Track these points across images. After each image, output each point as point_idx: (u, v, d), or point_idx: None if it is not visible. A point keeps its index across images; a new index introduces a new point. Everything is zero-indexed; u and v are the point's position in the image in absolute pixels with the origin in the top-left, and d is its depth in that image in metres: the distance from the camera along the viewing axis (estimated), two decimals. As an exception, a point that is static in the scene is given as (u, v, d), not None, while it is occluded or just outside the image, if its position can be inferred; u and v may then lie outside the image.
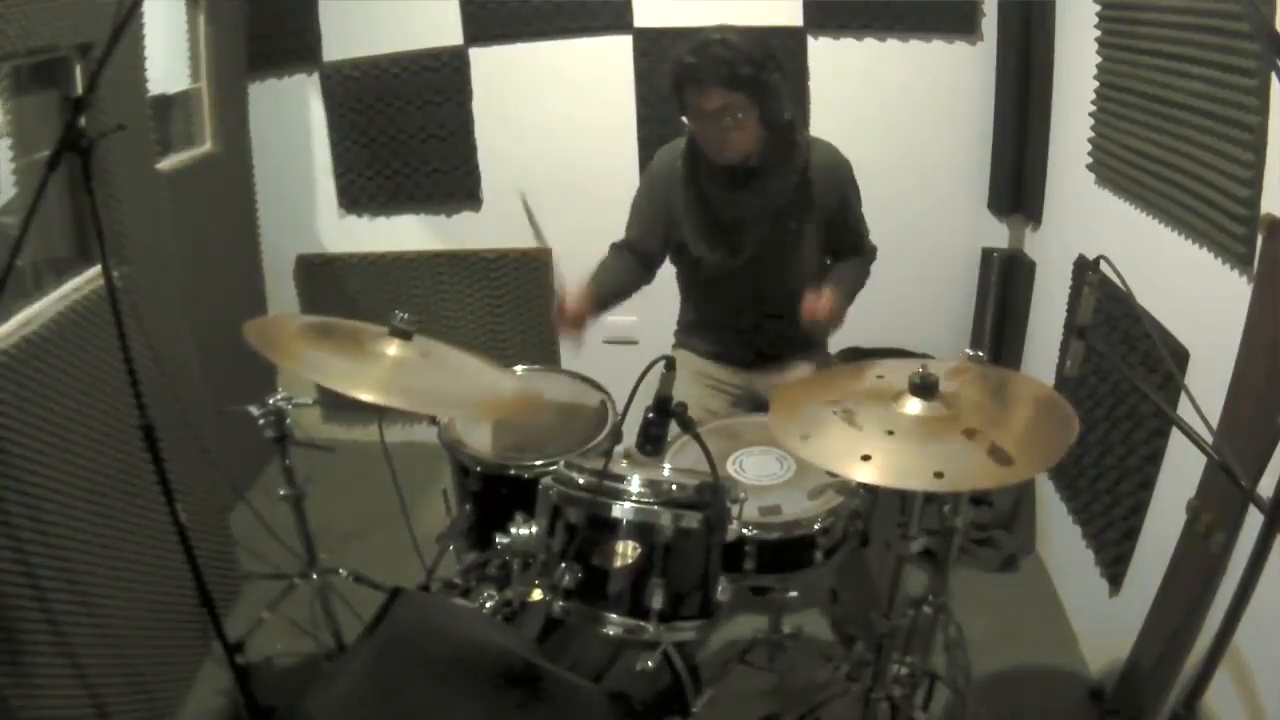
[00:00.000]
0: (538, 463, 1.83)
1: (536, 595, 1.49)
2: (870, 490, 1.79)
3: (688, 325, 2.34)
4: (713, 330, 2.27)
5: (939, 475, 1.28)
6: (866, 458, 1.32)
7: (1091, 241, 2.34)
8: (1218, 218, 1.68)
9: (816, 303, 1.97)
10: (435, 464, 2.12)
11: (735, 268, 2.12)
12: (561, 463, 1.57)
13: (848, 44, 2.89)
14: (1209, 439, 1.21)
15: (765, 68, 1.87)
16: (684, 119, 1.99)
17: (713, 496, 1.44)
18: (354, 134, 3.17)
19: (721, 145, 1.95)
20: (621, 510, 1.43)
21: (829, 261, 2.26)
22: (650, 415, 1.43)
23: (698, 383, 2.23)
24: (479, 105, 3.09)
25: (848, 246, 2.22)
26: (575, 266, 3.29)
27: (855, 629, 2.29)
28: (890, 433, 1.38)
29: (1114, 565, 2.12)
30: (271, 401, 1.91)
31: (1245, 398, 1.58)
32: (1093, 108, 2.32)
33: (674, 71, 1.92)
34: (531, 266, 3.26)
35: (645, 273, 2.22)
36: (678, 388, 1.43)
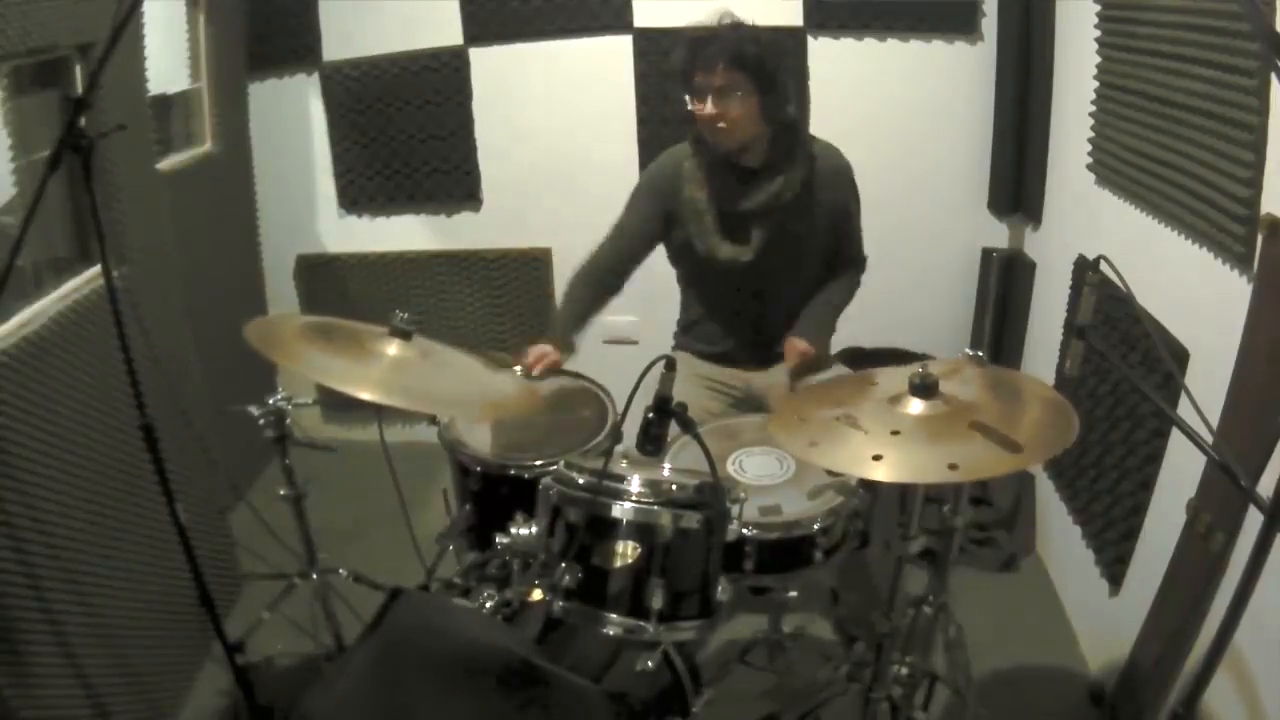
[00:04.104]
0: (538, 463, 1.83)
1: (536, 595, 1.48)
2: (870, 490, 1.80)
3: (688, 326, 2.35)
4: (713, 330, 2.27)
5: (953, 467, 1.29)
6: (878, 457, 1.33)
7: (1091, 241, 2.34)
8: (1218, 218, 1.68)
9: (791, 350, 2.08)
10: (435, 464, 2.12)
11: (742, 265, 2.13)
12: (561, 463, 1.57)
13: (848, 44, 2.89)
14: (1209, 439, 1.21)
15: (772, 60, 1.94)
16: (687, 100, 2.02)
17: (713, 496, 1.44)
18: (354, 134, 3.17)
19: (719, 122, 1.97)
20: (621, 510, 1.43)
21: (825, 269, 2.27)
22: (650, 415, 1.42)
23: (697, 384, 2.23)
24: (479, 105, 3.09)
25: (844, 254, 2.24)
26: (574, 265, 3.28)
27: (856, 629, 2.29)
28: (896, 433, 1.39)
29: (1114, 565, 2.12)
30: (271, 401, 1.91)
31: (1245, 398, 1.58)
32: (1093, 108, 2.32)
33: (685, 47, 1.98)
34: (532, 266, 3.27)
35: (612, 291, 2.22)
36: (676, 389, 1.43)
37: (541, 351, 2.05)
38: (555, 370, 2.07)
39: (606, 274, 2.19)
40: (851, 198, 2.18)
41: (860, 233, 2.24)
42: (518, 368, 2.04)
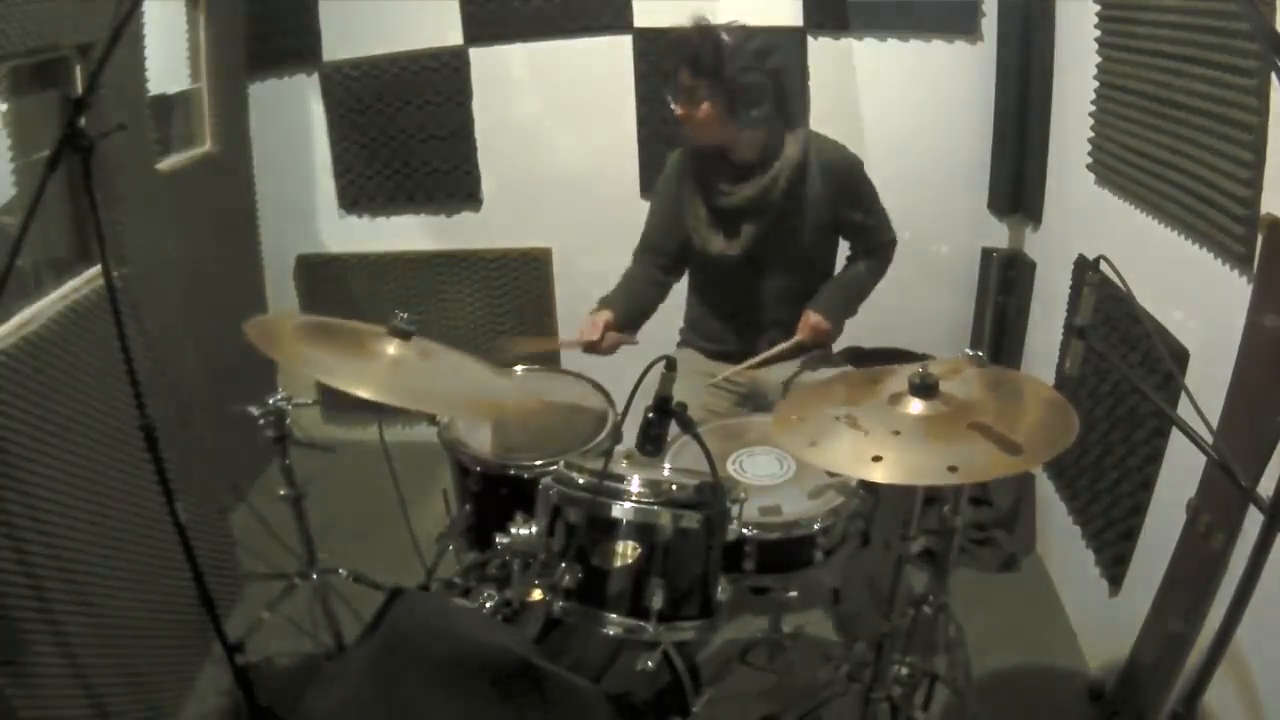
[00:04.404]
0: (538, 463, 1.83)
1: (536, 595, 1.49)
2: (872, 491, 1.80)
3: (692, 323, 2.37)
4: (717, 327, 2.29)
5: (953, 469, 1.29)
6: (877, 459, 1.33)
7: (1091, 241, 2.34)
8: (1218, 218, 1.68)
9: (805, 324, 2.15)
10: (435, 464, 2.12)
11: (736, 260, 2.16)
12: (561, 463, 1.57)
13: (848, 44, 2.89)
14: (1209, 439, 1.21)
15: (732, 66, 1.96)
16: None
17: (713, 496, 1.44)
18: (354, 134, 3.17)
19: (686, 122, 2.07)
20: (621, 510, 1.43)
21: (849, 257, 2.33)
22: (650, 415, 1.42)
23: (701, 382, 2.23)
24: (479, 105, 3.09)
25: (872, 240, 2.28)
26: (575, 265, 3.28)
27: (860, 627, 2.29)
28: (896, 433, 1.39)
29: (1114, 565, 2.12)
30: (271, 401, 1.91)
31: (1245, 398, 1.58)
32: (1093, 108, 2.32)
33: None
34: (532, 266, 3.26)
35: (666, 277, 2.29)
36: (681, 387, 1.43)
37: (586, 323, 2.14)
38: (608, 329, 2.13)
39: (643, 257, 2.28)
40: (861, 191, 2.19)
41: (884, 216, 2.26)
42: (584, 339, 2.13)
